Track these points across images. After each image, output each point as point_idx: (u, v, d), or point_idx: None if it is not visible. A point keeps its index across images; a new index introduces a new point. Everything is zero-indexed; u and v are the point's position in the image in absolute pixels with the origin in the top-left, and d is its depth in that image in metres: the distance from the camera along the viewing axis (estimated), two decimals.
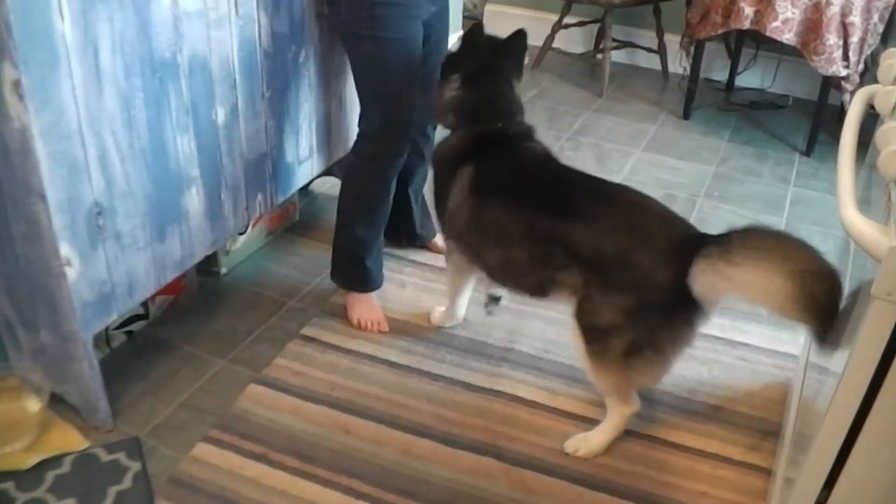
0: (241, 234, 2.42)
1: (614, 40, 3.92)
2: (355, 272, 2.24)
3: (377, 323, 2.22)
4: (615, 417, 1.84)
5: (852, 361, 1.09)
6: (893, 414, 1.09)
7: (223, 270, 2.44)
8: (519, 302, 2.34)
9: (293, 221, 2.71)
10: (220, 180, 2.00)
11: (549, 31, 3.95)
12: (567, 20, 3.93)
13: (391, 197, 2.20)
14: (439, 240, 2.57)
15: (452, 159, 1.92)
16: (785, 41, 3.16)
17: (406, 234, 2.53)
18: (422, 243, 2.58)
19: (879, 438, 1.12)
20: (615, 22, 3.88)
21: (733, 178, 3.20)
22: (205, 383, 2.02)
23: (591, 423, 1.91)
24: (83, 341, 1.73)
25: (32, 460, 1.74)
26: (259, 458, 1.80)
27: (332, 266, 2.29)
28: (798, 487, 1.26)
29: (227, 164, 2.00)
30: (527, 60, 2.01)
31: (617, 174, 3.14)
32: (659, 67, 4.10)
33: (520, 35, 1.94)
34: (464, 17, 4.16)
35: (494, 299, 2.28)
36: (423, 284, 2.42)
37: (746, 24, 3.20)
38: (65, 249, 1.61)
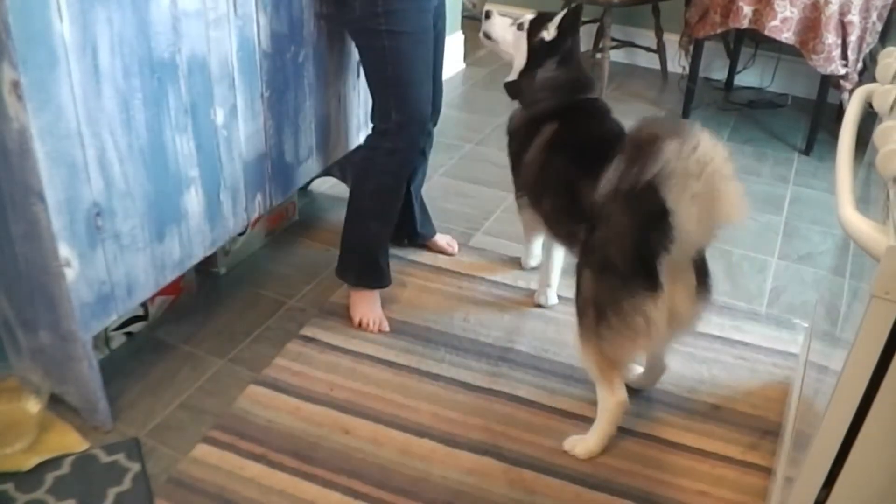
0: (240, 234, 2.42)
1: (613, 40, 3.92)
2: (367, 269, 2.23)
3: (378, 322, 2.22)
4: (603, 411, 1.83)
5: (851, 360, 1.09)
6: (892, 412, 1.09)
7: (222, 271, 2.44)
8: (518, 303, 2.35)
9: (292, 221, 2.72)
10: (219, 180, 2.00)
11: None
12: None
13: (403, 192, 2.21)
14: (439, 238, 2.58)
15: (536, 123, 2.04)
16: (783, 40, 3.16)
17: (406, 233, 2.53)
18: (422, 241, 2.58)
19: (879, 437, 1.12)
20: (614, 21, 3.88)
21: None
22: (204, 384, 2.02)
23: (591, 422, 1.91)
24: (82, 342, 1.73)
25: (32, 461, 1.74)
26: (258, 458, 1.80)
27: (341, 264, 2.27)
28: (798, 486, 1.26)
29: (226, 164, 2.00)
30: None
31: None
32: (658, 67, 4.10)
33: (578, 12, 2.05)
34: (463, 17, 4.16)
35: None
36: (423, 284, 2.42)
37: (745, 24, 3.21)
38: (64, 250, 1.61)
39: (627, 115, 1.90)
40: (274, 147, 2.17)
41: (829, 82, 3.28)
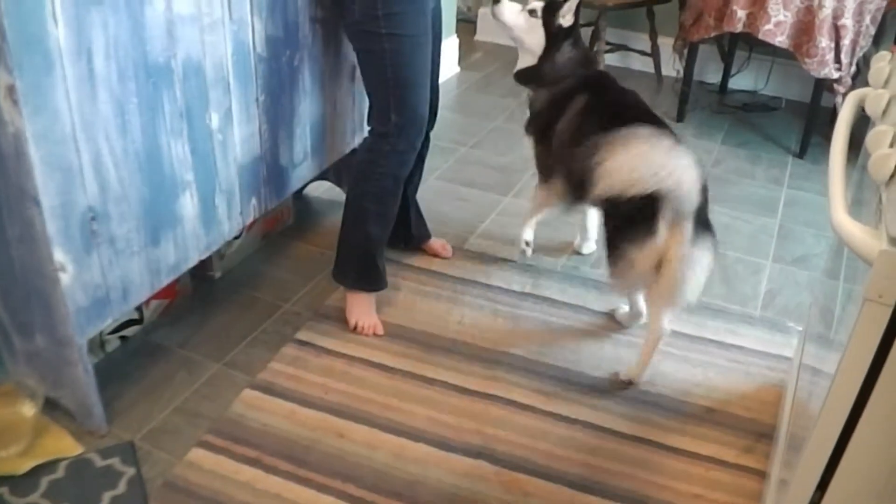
0: (235, 238, 2.42)
1: (608, 43, 3.93)
2: (365, 271, 2.23)
3: (373, 326, 2.22)
4: (651, 330, 2.08)
5: (844, 363, 1.10)
6: (886, 414, 1.10)
7: (218, 274, 2.43)
8: (512, 306, 2.35)
9: (288, 225, 2.71)
10: (215, 184, 2.00)
11: None
12: None
13: (401, 194, 2.21)
14: (433, 242, 2.58)
15: (565, 98, 2.28)
16: (777, 44, 3.18)
17: (402, 236, 2.53)
18: (417, 244, 2.58)
19: (872, 439, 1.12)
20: (609, 25, 3.89)
21: (727, 179, 3.21)
22: (199, 387, 2.02)
23: (586, 425, 1.92)
24: (78, 346, 1.73)
25: (27, 465, 1.73)
26: (253, 462, 1.80)
27: (338, 266, 2.27)
28: (792, 489, 1.26)
29: (221, 168, 2.00)
30: None
31: None
32: (652, 70, 4.10)
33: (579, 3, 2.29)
34: (458, 20, 4.17)
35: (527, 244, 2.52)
36: (418, 288, 2.42)
37: (739, 27, 3.22)
38: (59, 254, 1.60)
39: None
40: (269, 151, 2.17)
41: (823, 86, 3.30)
